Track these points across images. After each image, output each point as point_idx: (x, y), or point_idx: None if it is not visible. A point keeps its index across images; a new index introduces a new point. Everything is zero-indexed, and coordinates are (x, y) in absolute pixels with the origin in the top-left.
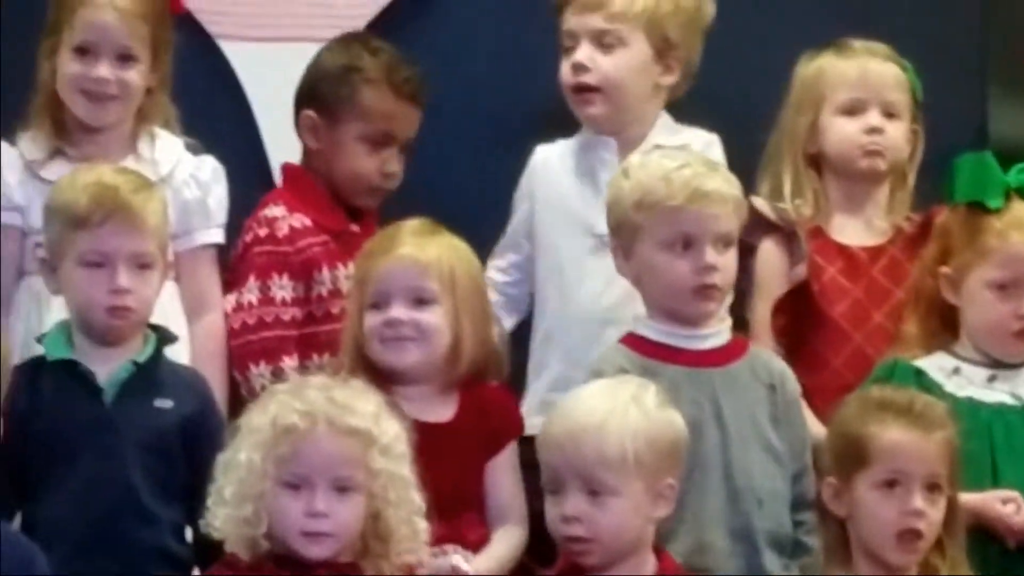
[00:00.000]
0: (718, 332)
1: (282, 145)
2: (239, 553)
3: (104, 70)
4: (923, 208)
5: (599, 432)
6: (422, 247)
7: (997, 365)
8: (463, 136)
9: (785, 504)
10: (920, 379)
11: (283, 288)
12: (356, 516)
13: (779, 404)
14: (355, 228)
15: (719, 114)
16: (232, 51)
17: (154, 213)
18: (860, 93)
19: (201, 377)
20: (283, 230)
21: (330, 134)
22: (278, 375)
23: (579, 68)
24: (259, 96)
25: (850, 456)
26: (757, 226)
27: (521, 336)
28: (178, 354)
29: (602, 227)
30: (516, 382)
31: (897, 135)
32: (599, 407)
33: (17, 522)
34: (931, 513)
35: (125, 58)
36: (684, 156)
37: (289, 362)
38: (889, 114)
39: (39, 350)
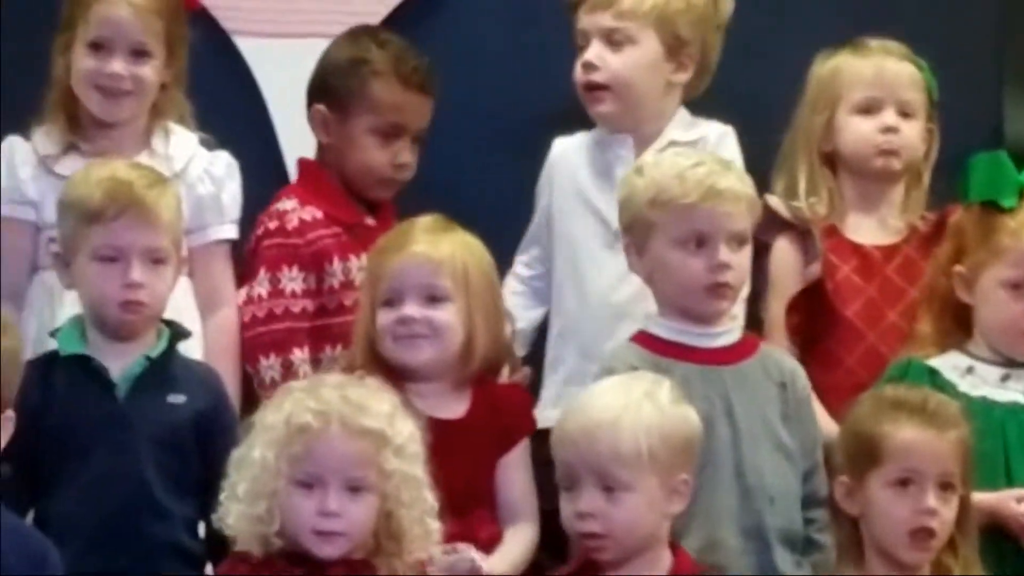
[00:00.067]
0: (730, 330)
1: (297, 141)
2: (251, 550)
3: (118, 66)
4: (938, 207)
5: (613, 428)
6: (435, 244)
7: (1011, 364)
8: (479, 133)
9: (796, 501)
10: (934, 378)
11: (293, 280)
12: (368, 516)
13: (790, 402)
14: (370, 222)
15: (734, 112)
16: (247, 47)
17: (168, 208)
18: (876, 92)
19: (214, 372)
20: (293, 222)
21: (341, 128)
22: (288, 367)
23: (589, 67)
24: (273, 92)
25: (863, 455)
26: (772, 224)
27: (547, 329)
28: (191, 350)
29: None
30: (540, 375)
31: (912, 134)
32: (613, 403)
33: (30, 517)
34: (944, 512)
35: (139, 54)
36: (698, 154)
37: (299, 354)
38: (904, 113)
39: (52, 345)
